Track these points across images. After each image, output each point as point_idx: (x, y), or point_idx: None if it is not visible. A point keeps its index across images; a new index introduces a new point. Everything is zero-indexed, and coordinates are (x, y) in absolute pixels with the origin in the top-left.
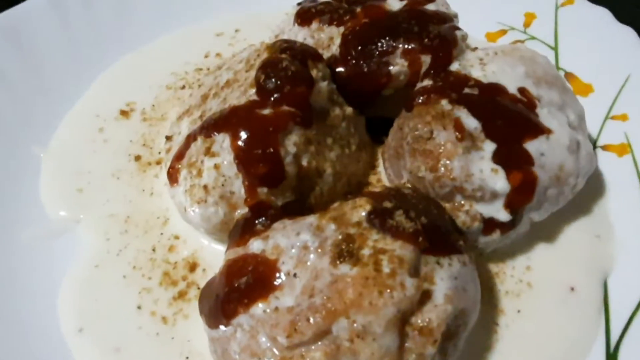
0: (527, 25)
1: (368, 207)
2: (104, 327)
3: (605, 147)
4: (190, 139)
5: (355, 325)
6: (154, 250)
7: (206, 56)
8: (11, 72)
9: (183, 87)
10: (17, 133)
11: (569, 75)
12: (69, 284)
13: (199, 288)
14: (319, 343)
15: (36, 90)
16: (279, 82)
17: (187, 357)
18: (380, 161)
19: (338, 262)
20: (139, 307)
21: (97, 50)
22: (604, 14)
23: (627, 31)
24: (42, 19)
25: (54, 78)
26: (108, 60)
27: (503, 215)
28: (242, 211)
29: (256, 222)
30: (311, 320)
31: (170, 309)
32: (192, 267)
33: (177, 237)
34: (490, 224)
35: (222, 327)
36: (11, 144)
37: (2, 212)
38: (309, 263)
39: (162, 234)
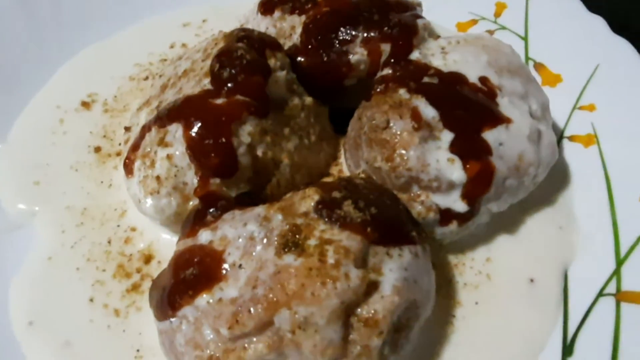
0: (497, 15)
1: (316, 197)
2: (55, 321)
3: (572, 138)
4: (145, 129)
5: (297, 316)
6: (109, 242)
7: (172, 47)
8: None
9: (146, 78)
10: None
11: (538, 66)
12: (20, 277)
13: (152, 280)
14: (262, 335)
15: None
16: (233, 71)
17: (138, 350)
18: (343, 152)
19: (283, 252)
20: (91, 300)
21: (60, 40)
22: (574, 3)
23: (597, 21)
24: (3, 8)
25: (15, 69)
26: (71, 50)
27: (460, 206)
28: (195, 202)
29: (207, 213)
30: (252, 311)
31: (123, 302)
32: (147, 259)
33: (133, 229)
34: (447, 215)
35: (169, 319)
36: None
37: None
38: (254, 254)
39: (118, 226)
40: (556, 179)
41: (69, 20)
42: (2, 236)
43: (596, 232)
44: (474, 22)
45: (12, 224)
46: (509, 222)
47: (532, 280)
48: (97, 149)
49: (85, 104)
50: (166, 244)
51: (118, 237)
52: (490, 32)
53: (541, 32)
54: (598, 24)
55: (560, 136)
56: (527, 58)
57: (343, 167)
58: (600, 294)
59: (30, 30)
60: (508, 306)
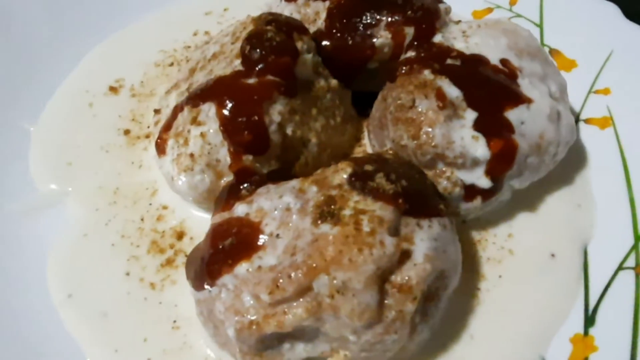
0: (513, 3)
1: (349, 170)
2: (93, 293)
3: (588, 121)
4: (177, 109)
5: (335, 281)
6: (142, 220)
7: (195, 34)
8: (1, 48)
9: (171, 64)
10: (8, 108)
11: (553, 52)
12: (57, 252)
13: (186, 255)
14: (301, 299)
15: (27, 66)
16: (263, 52)
17: (175, 321)
18: (366, 134)
19: (319, 222)
20: (127, 274)
21: (87, 27)
22: None
23: (611, 7)
24: None
25: (45, 54)
26: (98, 37)
27: (484, 182)
28: (227, 179)
29: (241, 187)
30: (292, 277)
31: (158, 276)
32: (180, 235)
33: (165, 207)
34: (471, 191)
35: (207, 288)
36: (2, 119)
37: None
38: (291, 224)
39: (150, 204)
40: (574, 160)
41: (96, 7)
42: (37, 213)
43: (614, 210)
44: (490, 10)
45: (46, 202)
46: (529, 200)
47: (553, 255)
48: (127, 132)
49: (113, 89)
50: (197, 221)
51: (150, 215)
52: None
53: (556, 19)
54: (611, 10)
55: (576, 119)
56: (543, 44)
57: (367, 148)
58: (620, 267)
59: (57, 16)
60: (531, 280)
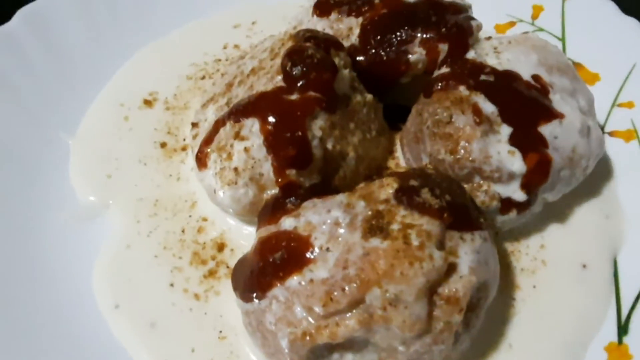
0: (535, 17)
1: (395, 185)
2: (139, 304)
3: (612, 134)
4: (219, 124)
5: (387, 294)
6: (183, 231)
7: (224, 47)
8: (38, 61)
9: (203, 78)
10: (46, 120)
11: (576, 65)
12: (102, 263)
13: (227, 267)
14: (353, 311)
15: (62, 79)
16: (305, 69)
17: (221, 331)
18: (398, 146)
19: (369, 236)
20: (171, 285)
21: (119, 40)
22: (609, 6)
23: (632, 22)
24: (66, 9)
25: (79, 67)
26: (129, 50)
27: (519, 196)
28: (270, 192)
29: (287, 201)
30: (346, 289)
31: (202, 287)
32: (220, 247)
33: (205, 219)
34: (507, 204)
35: (256, 301)
36: (41, 131)
37: (35, 196)
38: (340, 238)
39: (190, 216)
40: (600, 172)
41: (126, 22)
42: (80, 225)
43: None
44: (512, 24)
45: (88, 213)
46: (559, 211)
47: (584, 266)
48: (163, 144)
49: (148, 102)
50: (237, 232)
51: (191, 226)
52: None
53: (578, 33)
54: (633, 25)
55: (601, 131)
56: None
57: (400, 160)
58: None
59: (91, 33)
60: (564, 290)
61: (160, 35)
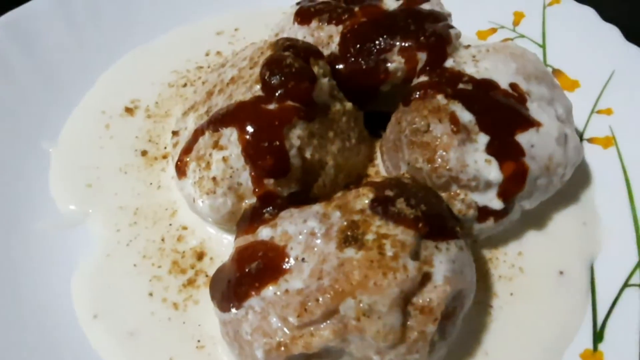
0: (516, 23)
1: (371, 195)
2: (118, 313)
3: (591, 140)
4: (198, 133)
5: (361, 304)
6: (163, 240)
7: (207, 54)
8: (19, 69)
9: (185, 85)
10: (27, 129)
11: (556, 72)
12: (81, 273)
13: (207, 276)
14: (328, 322)
15: (43, 87)
16: (283, 78)
17: (199, 340)
18: (378, 154)
19: (344, 246)
20: (150, 294)
21: (100, 48)
22: (589, 13)
23: (611, 29)
24: (47, 17)
25: (60, 75)
26: (111, 57)
27: (496, 204)
28: (249, 201)
29: (264, 211)
30: (320, 300)
31: (181, 296)
32: (200, 256)
33: (185, 228)
34: (484, 212)
35: (233, 310)
36: (21, 139)
37: (15, 205)
38: (316, 248)
39: (170, 225)
40: (578, 179)
41: (108, 29)
42: (59, 234)
43: (618, 227)
44: (494, 30)
45: (68, 222)
46: (536, 219)
47: (561, 273)
48: (144, 153)
49: (129, 110)
50: (217, 241)
51: (171, 235)
52: (509, 40)
53: (558, 40)
54: (612, 32)
55: (580, 138)
56: (546, 64)
57: (379, 168)
58: (626, 284)
59: (73, 38)
60: (541, 297)
61: (143, 42)
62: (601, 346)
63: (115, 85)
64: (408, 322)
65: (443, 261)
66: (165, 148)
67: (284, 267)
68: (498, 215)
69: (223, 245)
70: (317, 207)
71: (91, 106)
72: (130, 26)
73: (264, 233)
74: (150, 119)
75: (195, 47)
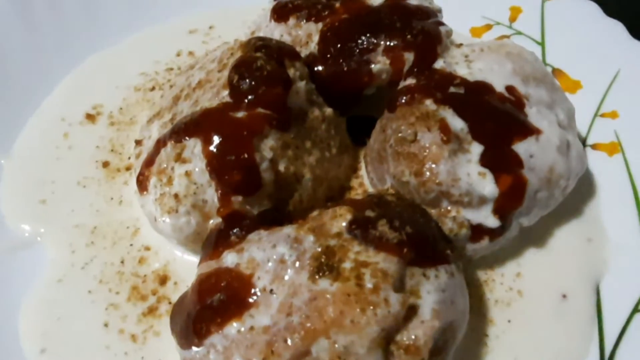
0: (512, 19)
1: (349, 217)
2: (69, 347)
3: (594, 146)
4: (160, 144)
5: (336, 346)
6: (122, 262)
7: (178, 55)
8: None
9: (153, 89)
10: None
11: (556, 72)
12: (30, 301)
13: (170, 302)
14: None
15: None
16: (253, 83)
17: None
18: (363, 164)
19: (317, 277)
20: (105, 325)
21: (62, 50)
22: (591, 8)
23: (616, 25)
24: (4, 16)
25: (17, 80)
26: (74, 60)
27: (492, 222)
28: (215, 221)
29: (230, 233)
30: (289, 341)
31: (140, 326)
32: (163, 280)
33: (147, 249)
34: (478, 231)
35: (194, 348)
36: None
37: None
38: (286, 278)
39: (131, 245)
40: (581, 189)
41: (70, 29)
42: (9, 256)
43: (626, 244)
44: (489, 27)
45: (19, 243)
46: (536, 235)
47: (564, 296)
48: (105, 164)
49: (90, 117)
50: (182, 263)
51: (131, 256)
52: (506, 37)
53: (558, 37)
54: (617, 28)
55: (582, 145)
56: (545, 64)
57: (364, 179)
58: (636, 309)
59: (32, 40)
60: (542, 324)
61: (109, 43)
62: None
63: (77, 90)
64: None
65: (431, 291)
66: (129, 158)
67: (249, 300)
68: (494, 234)
69: (190, 268)
70: (289, 230)
71: (49, 113)
72: (94, 26)
73: (229, 259)
74: (113, 127)
75: (166, 47)
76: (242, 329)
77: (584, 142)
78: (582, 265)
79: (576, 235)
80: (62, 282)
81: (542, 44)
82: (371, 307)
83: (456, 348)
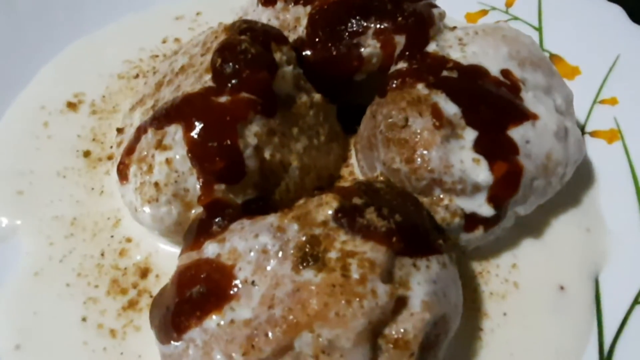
0: (509, 4)
1: (335, 205)
2: (45, 343)
3: (593, 134)
4: (141, 131)
5: (320, 339)
6: (102, 255)
7: (164, 41)
8: None
9: (137, 76)
10: None
11: (554, 58)
12: (5, 295)
13: (151, 296)
14: None
15: None
16: (237, 67)
17: None
18: (353, 152)
19: (301, 267)
20: (83, 319)
21: (44, 36)
22: None
23: (615, 9)
24: None
25: None
26: (56, 47)
27: (486, 210)
28: (197, 210)
29: (212, 222)
30: (270, 335)
31: (119, 321)
32: (144, 272)
33: (129, 240)
34: (472, 220)
35: (173, 343)
36: None
37: None
38: (268, 269)
39: (112, 236)
40: (580, 178)
41: (52, 15)
42: None
43: (626, 233)
44: (484, 12)
45: None
46: (533, 224)
47: (562, 288)
48: (87, 153)
49: (72, 105)
50: (165, 255)
51: (112, 248)
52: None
53: (556, 23)
54: (616, 12)
55: (581, 132)
56: (542, 50)
57: (354, 168)
58: (636, 301)
59: (10, 25)
60: (539, 317)
61: (93, 29)
62: None
63: (58, 77)
64: (379, 359)
65: (422, 282)
66: (110, 148)
67: (230, 292)
68: (488, 223)
69: (171, 260)
70: (272, 219)
71: (29, 102)
72: (78, 12)
73: (210, 250)
74: (95, 115)
75: (151, 34)
76: (222, 323)
77: (582, 129)
78: (581, 256)
79: (574, 225)
80: (38, 275)
81: (539, 29)
82: (357, 299)
83: (449, 343)
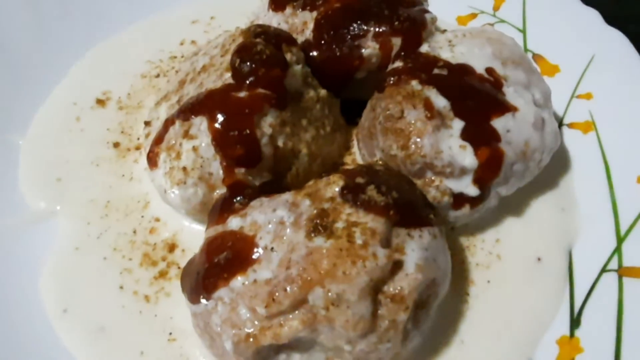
0: (496, 8)
1: (341, 183)
2: (88, 307)
3: (571, 125)
4: (169, 122)
5: (330, 294)
6: (134, 232)
7: (181, 44)
8: None
9: (158, 76)
10: None
11: (536, 57)
12: (50, 267)
13: (179, 268)
14: (296, 312)
15: (13, 78)
16: (253, 66)
17: (170, 333)
18: (355, 142)
19: (313, 235)
20: (121, 287)
21: (71, 38)
22: None
23: (592, 13)
24: (14, 8)
25: (30, 68)
26: (83, 48)
27: (472, 190)
28: (220, 191)
29: (234, 200)
30: (288, 290)
31: (152, 288)
32: (172, 247)
33: (157, 220)
34: (460, 199)
35: (203, 302)
36: None
37: None
38: (285, 237)
39: (142, 216)
40: (557, 164)
41: (79, 18)
42: (28, 228)
43: (597, 213)
44: (474, 15)
45: (37, 216)
46: (515, 205)
47: (539, 259)
48: (116, 144)
49: (100, 102)
50: (189, 232)
51: (142, 227)
52: (490, 25)
53: (539, 25)
54: (593, 16)
55: (559, 123)
56: (526, 49)
57: (356, 156)
58: (604, 270)
59: (43, 28)
60: (518, 284)
61: (116, 31)
62: (578, 332)
63: (86, 77)
64: (379, 311)
65: (415, 249)
66: (138, 139)
67: (252, 257)
68: (474, 201)
69: (196, 237)
70: (287, 196)
71: (62, 98)
72: (102, 15)
73: (234, 223)
74: (122, 111)
75: (170, 37)
76: (246, 282)
77: (561, 121)
78: (556, 232)
79: (551, 205)
80: (79, 249)
81: (523, 31)
82: (361, 260)
83: (439, 304)
